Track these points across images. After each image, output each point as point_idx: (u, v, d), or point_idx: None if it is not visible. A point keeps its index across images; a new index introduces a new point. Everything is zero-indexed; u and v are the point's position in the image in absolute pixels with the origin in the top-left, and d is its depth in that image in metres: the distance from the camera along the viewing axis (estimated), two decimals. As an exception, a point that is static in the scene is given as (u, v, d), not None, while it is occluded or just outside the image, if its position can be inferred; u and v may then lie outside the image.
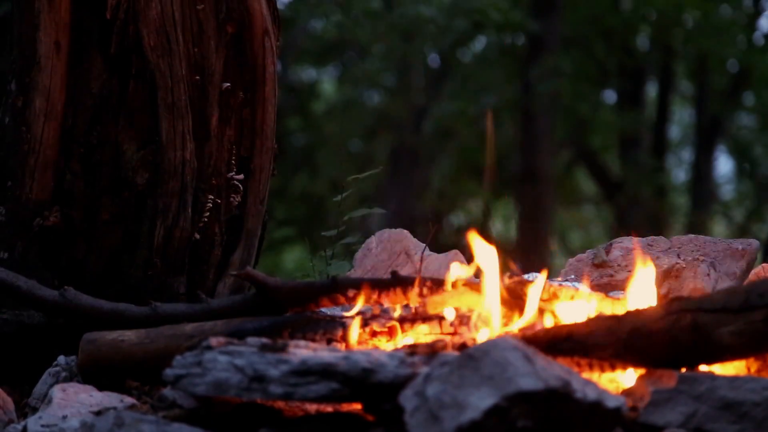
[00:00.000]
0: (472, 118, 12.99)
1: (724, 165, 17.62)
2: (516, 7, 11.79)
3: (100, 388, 2.69)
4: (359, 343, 2.68)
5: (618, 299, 2.85)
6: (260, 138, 3.47)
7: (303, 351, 2.23)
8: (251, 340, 2.27)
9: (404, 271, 3.42)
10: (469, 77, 13.73)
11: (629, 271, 3.41)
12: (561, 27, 12.24)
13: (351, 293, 2.83)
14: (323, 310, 2.90)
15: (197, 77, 3.34)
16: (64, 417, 2.49)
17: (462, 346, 2.40)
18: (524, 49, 12.54)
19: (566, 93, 12.24)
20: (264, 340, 2.27)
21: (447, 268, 3.10)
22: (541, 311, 2.71)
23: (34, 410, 2.74)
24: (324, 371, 2.15)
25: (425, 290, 2.82)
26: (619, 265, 3.45)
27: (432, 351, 2.25)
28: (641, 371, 2.33)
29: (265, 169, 3.50)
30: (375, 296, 2.82)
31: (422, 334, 2.75)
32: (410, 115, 13.75)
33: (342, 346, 2.67)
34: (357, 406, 2.28)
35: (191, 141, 3.32)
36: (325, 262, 4.13)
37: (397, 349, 2.42)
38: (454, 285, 2.81)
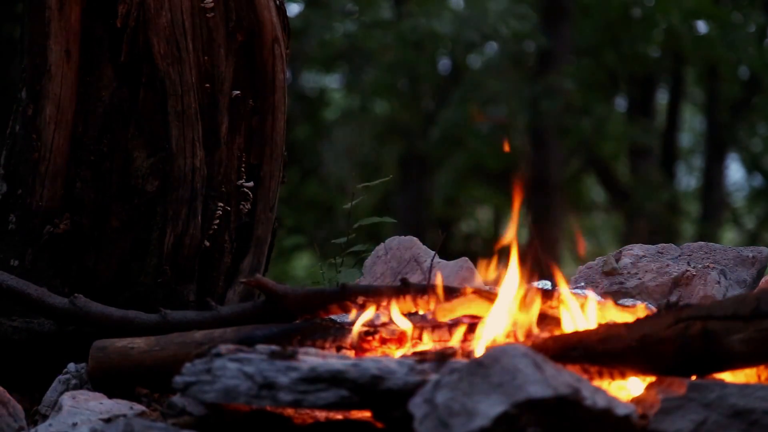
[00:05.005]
0: (479, 126, 12.98)
1: (735, 172, 17.60)
2: (526, 18, 11.80)
3: (110, 395, 2.69)
4: (367, 350, 2.68)
5: (628, 306, 2.85)
6: (270, 145, 3.48)
7: (312, 358, 2.23)
8: (261, 347, 2.27)
9: (414, 278, 3.42)
10: (478, 86, 13.72)
11: (639, 279, 3.41)
12: (572, 36, 12.23)
13: (360, 301, 2.83)
14: (332, 317, 2.90)
15: (207, 85, 3.35)
16: (74, 424, 2.49)
17: (471, 354, 2.40)
18: (534, 59, 12.53)
19: (573, 104, 12.21)
20: (273, 347, 2.27)
21: (456, 275, 3.09)
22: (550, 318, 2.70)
23: (44, 417, 2.74)
24: (333, 378, 2.15)
25: (435, 298, 2.82)
26: (629, 273, 3.44)
27: (441, 358, 2.25)
28: (651, 379, 2.32)
29: (275, 177, 3.51)
30: (384, 303, 2.82)
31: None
32: (419, 122, 13.74)
33: (352, 354, 2.67)
34: (366, 414, 2.28)
35: (201, 148, 3.33)
36: (335, 269, 4.12)
37: (406, 356, 2.42)
38: (464, 292, 2.81)
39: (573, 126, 12.51)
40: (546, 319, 2.75)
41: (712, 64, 13.40)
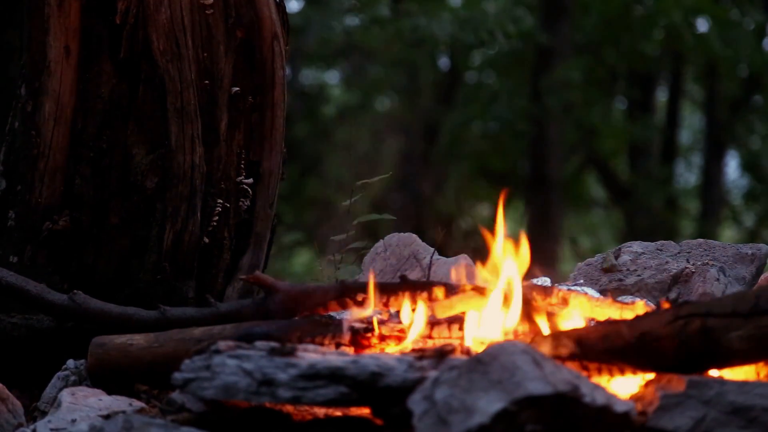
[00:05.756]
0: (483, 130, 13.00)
1: (734, 170, 17.59)
2: (525, 18, 11.78)
3: (109, 391, 2.69)
4: (366, 347, 2.68)
5: (627, 304, 2.85)
6: (269, 142, 3.48)
7: (311, 355, 2.24)
8: (260, 344, 2.27)
9: (413, 275, 3.42)
10: (480, 86, 13.73)
11: (639, 276, 3.41)
12: (572, 34, 12.22)
13: (360, 297, 2.83)
14: (331, 314, 2.90)
15: (206, 82, 3.35)
16: (73, 421, 2.49)
17: (470, 350, 2.40)
18: (534, 57, 12.51)
19: (577, 100, 12.20)
20: (273, 344, 2.27)
21: (456, 272, 3.09)
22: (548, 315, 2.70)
23: (44, 414, 2.74)
24: (332, 375, 2.15)
25: (434, 294, 2.82)
26: (628, 270, 3.44)
27: (441, 355, 2.25)
28: (650, 376, 2.32)
29: (274, 173, 3.51)
30: (384, 300, 2.82)
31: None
32: (420, 120, 13.74)
33: (351, 350, 2.67)
34: (365, 410, 2.28)
35: (200, 145, 3.33)
36: (334, 266, 4.13)
37: (405, 353, 2.42)
38: (463, 289, 2.81)
39: (580, 119, 12.50)
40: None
41: (712, 62, 13.39)
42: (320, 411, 2.37)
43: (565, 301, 2.84)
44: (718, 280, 3.31)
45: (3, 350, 3.15)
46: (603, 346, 2.32)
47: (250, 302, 3.00)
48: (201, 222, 3.34)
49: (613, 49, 13.16)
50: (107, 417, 2.49)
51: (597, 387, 2.08)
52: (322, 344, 2.68)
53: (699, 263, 3.38)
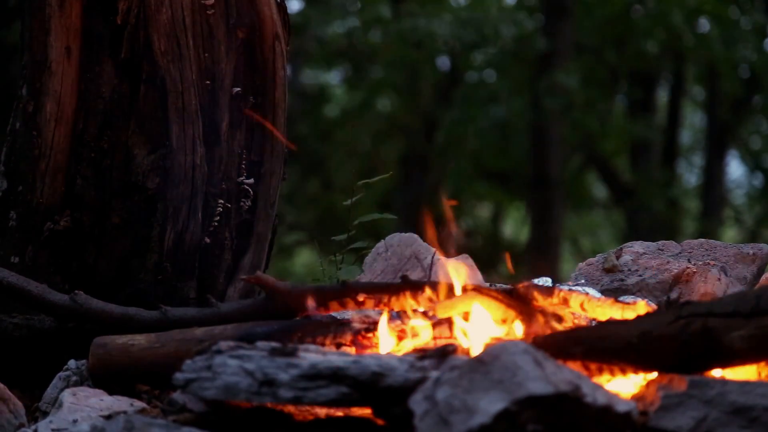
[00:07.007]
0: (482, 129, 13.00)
1: (735, 170, 17.59)
2: (525, 21, 11.80)
3: (111, 392, 2.69)
4: (368, 347, 2.68)
5: (628, 304, 2.85)
6: (270, 142, 3.48)
7: (313, 355, 2.24)
8: (261, 344, 2.27)
9: (414, 275, 3.42)
10: (479, 86, 13.72)
11: (640, 276, 3.41)
12: (573, 33, 12.22)
13: (361, 297, 2.83)
14: (333, 314, 2.90)
15: (208, 82, 3.35)
16: (75, 421, 2.49)
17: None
18: (534, 58, 12.51)
19: (577, 101, 12.19)
20: (274, 344, 2.27)
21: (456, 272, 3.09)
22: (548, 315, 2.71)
23: (45, 414, 2.74)
24: (334, 375, 2.15)
25: (435, 295, 2.82)
26: (629, 270, 3.44)
27: (442, 355, 2.25)
28: (651, 376, 2.32)
29: (276, 174, 3.51)
30: (385, 300, 2.82)
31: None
32: (420, 120, 13.74)
33: (352, 350, 2.67)
34: (367, 411, 2.28)
35: (201, 145, 3.33)
36: (335, 266, 4.12)
37: (407, 353, 2.42)
38: (463, 289, 2.81)
39: (578, 122, 12.51)
40: (546, 316, 2.75)
41: (713, 63, 13.38)
42: (321, 411, 2.37)
43: (566, 302, 2.84)
44: (719, 280, 3.31)
45: (4, 350, 3.15)
46: (604, 346, 2.31)
47: (252, 302, 3.00)
48: (202, 222, 3.34)
49: (614, 49, 13.15)
50: (108, 417, 2.50)
51: (598, 387, 2.08)
52: (323, 344, 2.68)
53: (700, 263, 3.38)
